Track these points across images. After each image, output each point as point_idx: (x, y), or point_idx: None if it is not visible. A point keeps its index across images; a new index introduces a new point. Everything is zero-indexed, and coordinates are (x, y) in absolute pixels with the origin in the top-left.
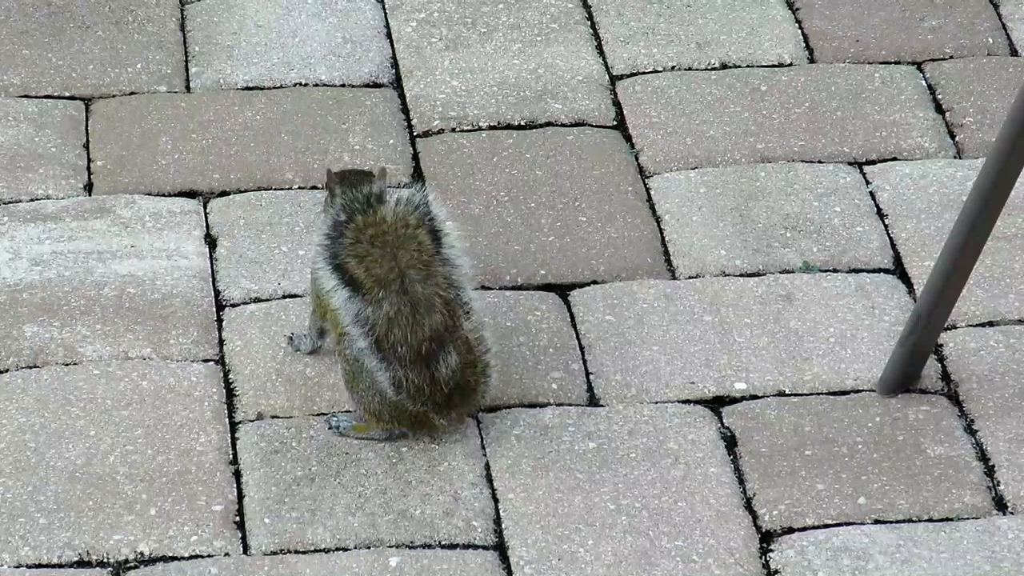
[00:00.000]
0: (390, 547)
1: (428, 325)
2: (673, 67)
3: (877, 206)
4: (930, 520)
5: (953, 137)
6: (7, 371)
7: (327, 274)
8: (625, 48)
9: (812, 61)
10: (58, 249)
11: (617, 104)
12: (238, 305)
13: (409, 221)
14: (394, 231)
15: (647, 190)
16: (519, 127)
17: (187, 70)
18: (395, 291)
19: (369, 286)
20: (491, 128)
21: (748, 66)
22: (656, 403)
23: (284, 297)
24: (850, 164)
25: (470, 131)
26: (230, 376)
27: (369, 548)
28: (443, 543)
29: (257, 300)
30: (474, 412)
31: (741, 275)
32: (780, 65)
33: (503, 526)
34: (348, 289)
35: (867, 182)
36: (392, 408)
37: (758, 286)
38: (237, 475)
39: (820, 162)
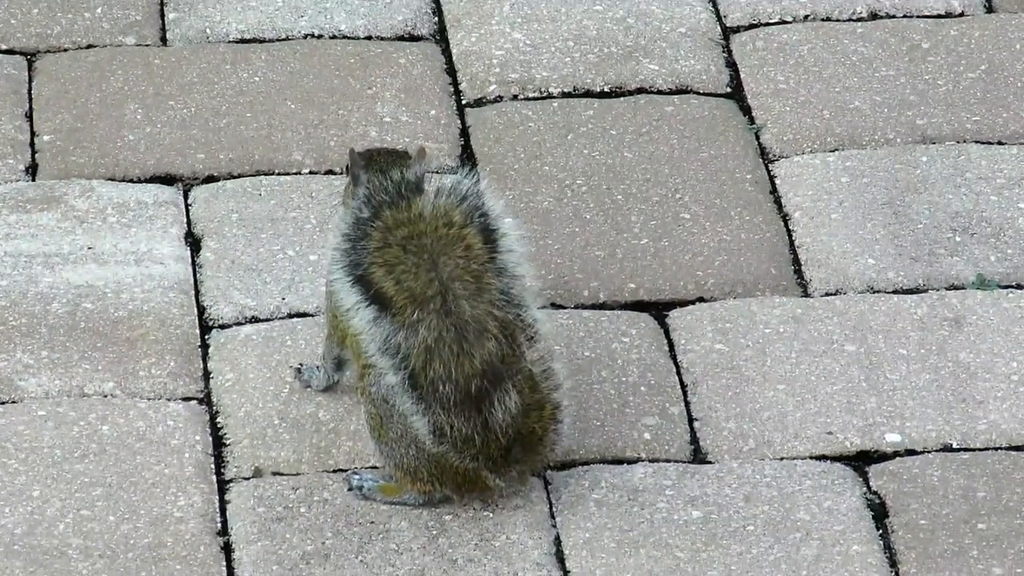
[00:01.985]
0: None
1: (479, 356)
2: (806, 17)
3: None
4: None
5: None
6: None
7: (346, 287)
8: None
9: (990, 10)
10: None
11: (732, 65)
12: (229, 326)
13: (454, 218)
14: (434, 231)
15: (771, 178)
16: (602, 94)
17: (163, 16)
18: (435, 311)
19: (401, 304)
20: (564, 95)
21: (905, 16)
22: (782, 460)
23: (290, 316)
24: None
25: (537, 99)
26: (218, 420)
27: None
28: None
29: (254, 320)
30: (540, 470)
31: (895, 292)
32: (947, 16)
33: None
34: (374, 308)
35: None
36: (432, 464)
37: (918, 306)
38: (227, 550)
39: (1000, 143)
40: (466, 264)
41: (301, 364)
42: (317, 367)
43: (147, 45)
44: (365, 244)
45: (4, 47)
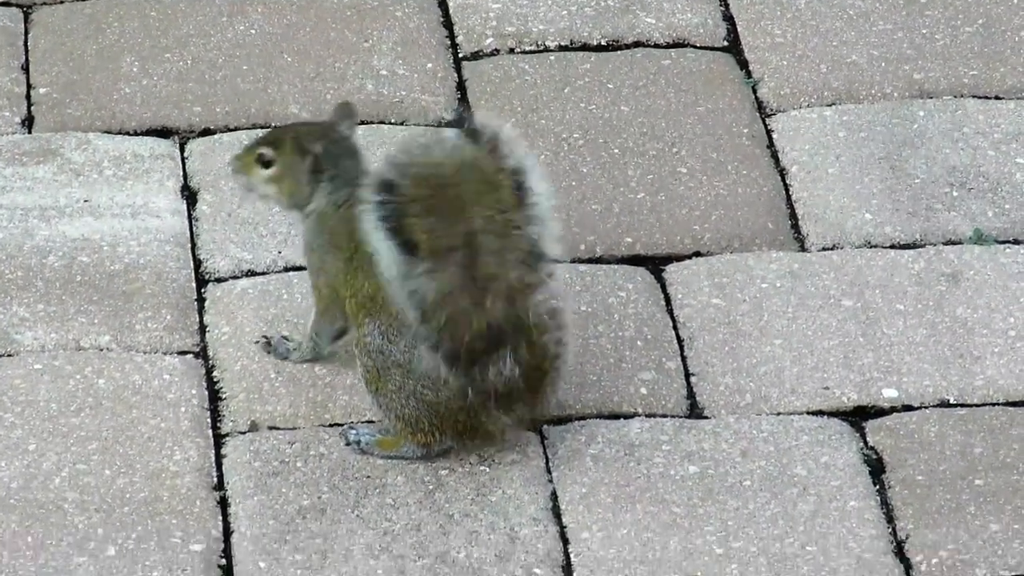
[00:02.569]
0: None
1: (487, 316)
2: None
3: None
4: None
5: None
6: None
7: (378, 235)
8: None
9: None
10: None
11: (729, 18)
12: (225, 280)
13: (486, 168)
14: (466, 181)
15: (768, 133)
16: (598, 47)
17: None
18: (457, 263)
19: (427, 252)
20: (561, 48)
21: None
22: (779, 415)
23: (286, 270)
24: None
25: (533, 52)
26: (214, 374)
27: None
28: None
29: (251, 273)
30: (541, 412)
31: (892, 247)
32: None
33: (574, 575)
34: (403, 254)
35: None
36: (432, 412)
37: (915, 261)
38: (223, 504)
39: (998, 98)
40: (496, 215)
41: (267, 337)
42: (286, 338)
43: None
44: (398, 192)
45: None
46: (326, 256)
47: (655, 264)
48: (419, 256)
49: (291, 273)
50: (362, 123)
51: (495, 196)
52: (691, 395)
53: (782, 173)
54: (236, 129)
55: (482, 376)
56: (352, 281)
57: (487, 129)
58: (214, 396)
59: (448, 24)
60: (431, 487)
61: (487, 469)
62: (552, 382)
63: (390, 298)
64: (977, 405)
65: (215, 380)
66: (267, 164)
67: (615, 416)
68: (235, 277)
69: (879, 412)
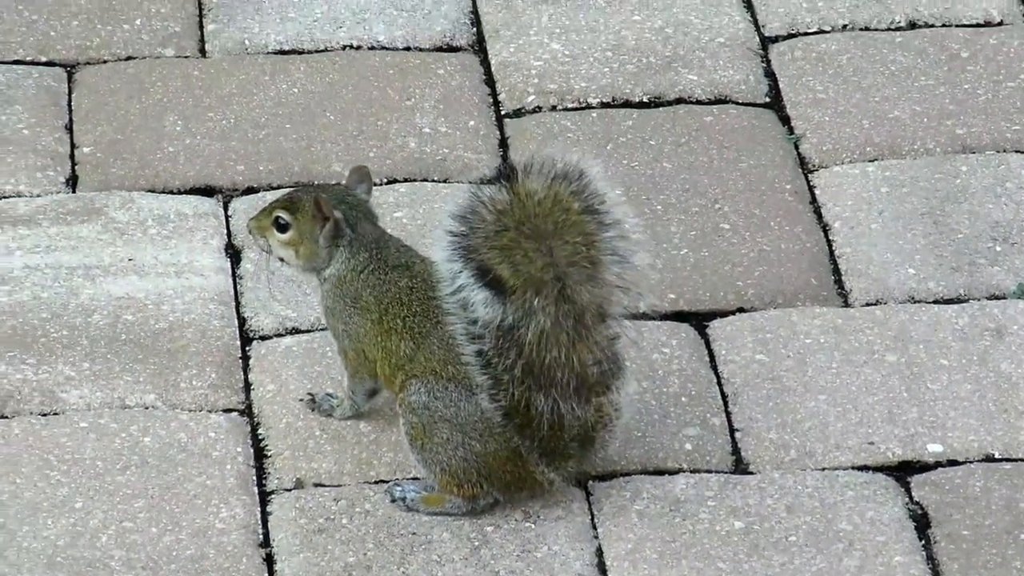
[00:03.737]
0: None
1: (596, 343)
2: (845, 26)
3: None
4: None
5: None
6: None
7: (458, 272)
8: (782, 1)
9: None
10: (33, 263)
11: (770, 74)
12: (270, 338)
13: (569, 203)
14: (549, 215)
15: (811, 189)
16: (641, 104)
17: (201, 27)
18: (552, 297)
19: (518, 288)
20: (603, 105)
21: (944, 25)
22: (823, 470)
23: None
24: None
25: (575, 109)
26: (259, 431)
27: None
28: None
29: (295, 331)
30: (583, 476)
31: (935, 302)
32: (986, 24)
33: None
34: (487, 291)
35: None
36: (481, 463)
37: (958, 316)
38: (269, 561)
39: None
40: (582, 249)
41: (312, 394)
42: (330, 395)
43: (186, 57)
44: (480, 228)
45: (44, 59)
46: (350, 320)
47: (699, 320)
48: (508, 295)
49: None
50: (404, 181)
51: (579, 230)
52: (736, 451)
53: (825, 229)
54: (279, 187)
55: (538, 427)
56: (385, 343)
57: (571, 167)
58: (259, 454)
59: (490, 82)
60: (477, 543)
61: (532, 525)
62: (605, 437)
63: (441, 355)
64: (1022, 460)
65: (260, 437)
66: (284, 228)
67: (660, 472)
68: (279, 335)
69: (924, 467)
